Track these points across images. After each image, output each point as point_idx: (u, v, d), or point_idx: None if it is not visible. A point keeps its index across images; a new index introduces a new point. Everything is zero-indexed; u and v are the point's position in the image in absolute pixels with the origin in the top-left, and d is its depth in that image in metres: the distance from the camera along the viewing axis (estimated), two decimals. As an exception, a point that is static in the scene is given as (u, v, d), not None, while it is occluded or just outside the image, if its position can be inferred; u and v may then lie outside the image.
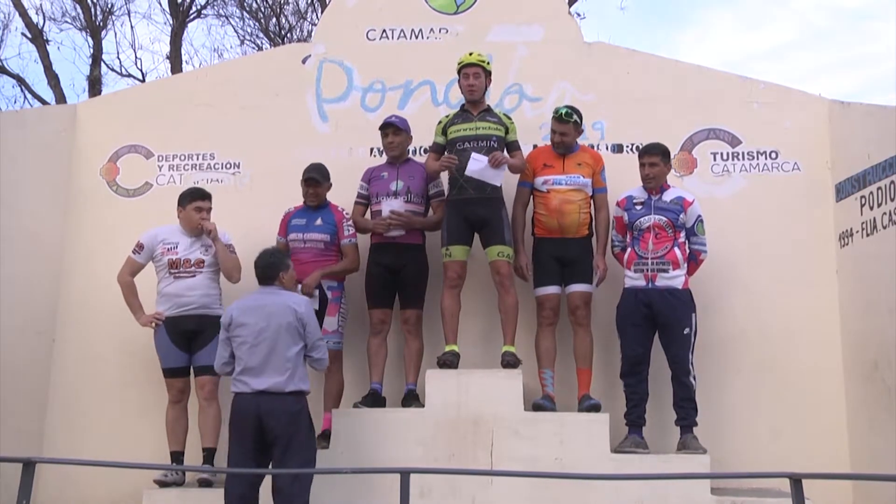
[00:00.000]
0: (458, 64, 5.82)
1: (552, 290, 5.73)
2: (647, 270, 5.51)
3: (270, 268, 5.10)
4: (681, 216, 5.57)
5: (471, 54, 5.81)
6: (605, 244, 5.80)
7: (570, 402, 5.70)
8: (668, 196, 5.62)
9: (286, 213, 5.97)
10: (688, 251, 5.60)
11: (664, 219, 5.54)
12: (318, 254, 5.83)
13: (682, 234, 5.60)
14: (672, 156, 6.26)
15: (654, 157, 5.61)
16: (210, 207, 5.79)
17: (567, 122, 5.74)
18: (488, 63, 5.84)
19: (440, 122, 5.88)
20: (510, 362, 5.53)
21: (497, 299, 5.74)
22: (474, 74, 5.76)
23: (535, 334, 5.75)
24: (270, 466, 4.85)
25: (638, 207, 5.61)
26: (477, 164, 5.59)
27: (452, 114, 5.91)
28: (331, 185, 5.94)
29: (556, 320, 5.74)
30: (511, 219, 5.82)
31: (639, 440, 5.41)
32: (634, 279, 5.56)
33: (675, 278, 5.51)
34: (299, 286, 5.56)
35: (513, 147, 5.81)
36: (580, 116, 5.81)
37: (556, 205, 5.70)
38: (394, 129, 5.92)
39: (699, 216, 5.62)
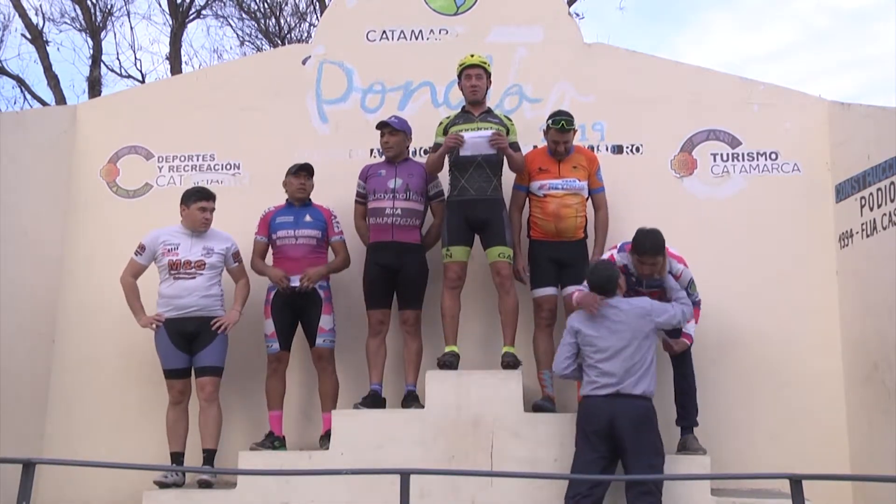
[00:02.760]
0: (460, 65, 5.83)
1: (549, 291, 5.72)
2: None
3: (611, 281, 5.10)
4: (673, 291, 5.33)
5: (472, 56, 5.83)
6: (603, 244, 5.77)
7: (570, 403, 5.70)
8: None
9: (266, 213, 5.97)
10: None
11: (659, 288, 5.40)
12: (310, 250, 5.84)
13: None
14: (672, 157, 6.29)
15: (656, 258, 5.21)
16: (214, 208, 5.80)
17: (568, 130, 5.72)
18: (489, 65, 5.86)
19: (441, 123, 5.88)
20: (510, 363, 5.53)
21: (497, 300, 5.74)
22: (476, 76, 5.78)
23: (533, 335, 5.74)
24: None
25: (632, 279, 5.40)
26: (476, 138, 5.59)
27: (454, 115, 5.91)
28: (313, 185, 5.98)
29: (554, 321, 5.72)
30: None
31: None
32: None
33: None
34: (293, 279, 5.68)
35: (513, 148, 5.80)
36: (573, 119, 5.77)
37: (553, 209, 5.69)
38: (390, 130, 5.91)
39: (691, 279, 5.39)
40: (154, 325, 5.65)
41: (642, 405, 4.94)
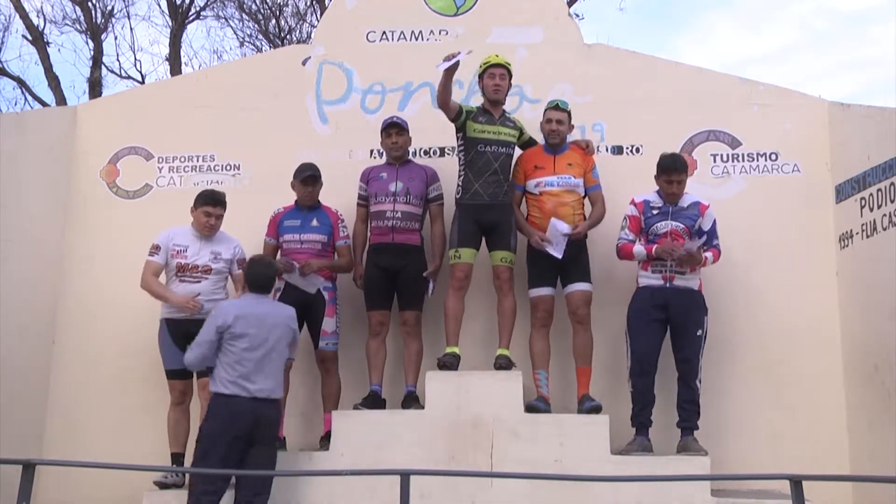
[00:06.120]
0: (483, 63, 5.80)
1: (546, 291, 5.71)
2: (666, 272, 5.50)
3: (270, 281, 5.25)
4: (698, 221, 5.56)
5: (497, 56, 5.82)
6: (593, 224, 5.73)
7: (571, 403, 5.70)
8: (684, 202, 5.60)
9: (275, 214, 5.96)
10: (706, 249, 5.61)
11: (682, 225, 5.53)
12: (315, 254, 5.84)
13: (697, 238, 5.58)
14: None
15: (683, 175, 5.57)
16: (221, 214, 5.72)
17: (563, 110, 5.76)
18: (511, 66, 5.85)
19: (463, 108, 5.76)
20: (503, 366, 5.54)
21: (496, 302, 5.74)
22: (500, 75, 5.78)
23: (529, 336, 5.73)
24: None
25: (654, 212, 5.58)
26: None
27: (476, 108, 5.84)
28: (322, 184, 5.95)
29: (550, 322, 5.73)
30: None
31: (646, 443, 5.41)
32: (651, 278, 5.54)
33: (691, 280, 5.52)
34: (296, 267, 5.69)
35: (530, 143, 5.90)
36: (568, 104, 5.84)
37: (550, 208, 5.69)
38: (398, 130, 5.92)
39: (714, 219, 5.61)
40: (191, 304, 5.53)
41: (275, 410, 5.10)
